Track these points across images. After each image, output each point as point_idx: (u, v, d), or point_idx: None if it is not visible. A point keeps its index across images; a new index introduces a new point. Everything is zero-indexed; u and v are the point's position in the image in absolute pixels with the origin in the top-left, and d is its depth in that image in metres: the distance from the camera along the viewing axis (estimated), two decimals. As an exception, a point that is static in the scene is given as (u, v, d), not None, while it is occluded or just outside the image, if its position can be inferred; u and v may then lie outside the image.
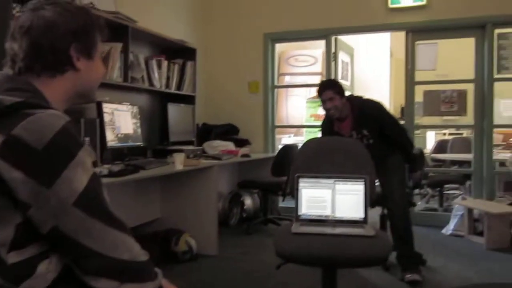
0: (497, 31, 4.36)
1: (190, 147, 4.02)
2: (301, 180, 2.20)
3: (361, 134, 3.11)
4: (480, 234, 3.96)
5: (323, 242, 1.94)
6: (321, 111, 5.51)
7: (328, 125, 3.30)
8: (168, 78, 4.06)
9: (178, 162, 3.13)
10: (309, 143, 2.61)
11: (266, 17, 5.05)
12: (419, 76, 4.67)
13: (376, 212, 3.30)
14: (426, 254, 3.29)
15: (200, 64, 4.61)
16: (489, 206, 4.03)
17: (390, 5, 4.59)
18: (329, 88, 3.14)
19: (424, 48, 4.61)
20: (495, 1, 4.29)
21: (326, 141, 2.65)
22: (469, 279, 3.05)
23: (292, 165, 2.46)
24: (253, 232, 4.32)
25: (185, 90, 4.27)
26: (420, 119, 6.97)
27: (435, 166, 5.82)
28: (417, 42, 4.63)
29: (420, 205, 5.54)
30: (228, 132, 4.93)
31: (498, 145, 5.62)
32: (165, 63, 3.99)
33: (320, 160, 2.47)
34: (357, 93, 6.59)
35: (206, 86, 5.15)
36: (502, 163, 4.66)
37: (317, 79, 6.41)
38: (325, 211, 2.16)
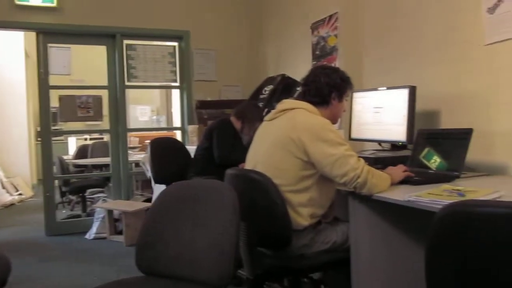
0: (126, 42, 4.68)
1: None
2: None
3: None
4: (121, 233, 4.17)
5: None
6: None
7: None
8: None
9: None
10: None
11: None
12: (54, 80, 4.51)
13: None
14: (68, 263, 3.16)
15: None
16: (126, 205, 4.30)
17: (17, 2, 4.23)
18: None
19: (57, 52, 4.48)
20: (123, 14, 4.59)
21: None
22: (109, 279, 3.14)
23: None
24: None
25: None
26: (64, 125, 6.77)
27: (78, 172, 5.78)
28: (50, 44, 4.46)
29: (64, 213, 5.39)
30: None
31: (135, 147, 6.09)
32: None
33: None
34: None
35: None
36: (138, 164, 5.06)
37: None
38: None
